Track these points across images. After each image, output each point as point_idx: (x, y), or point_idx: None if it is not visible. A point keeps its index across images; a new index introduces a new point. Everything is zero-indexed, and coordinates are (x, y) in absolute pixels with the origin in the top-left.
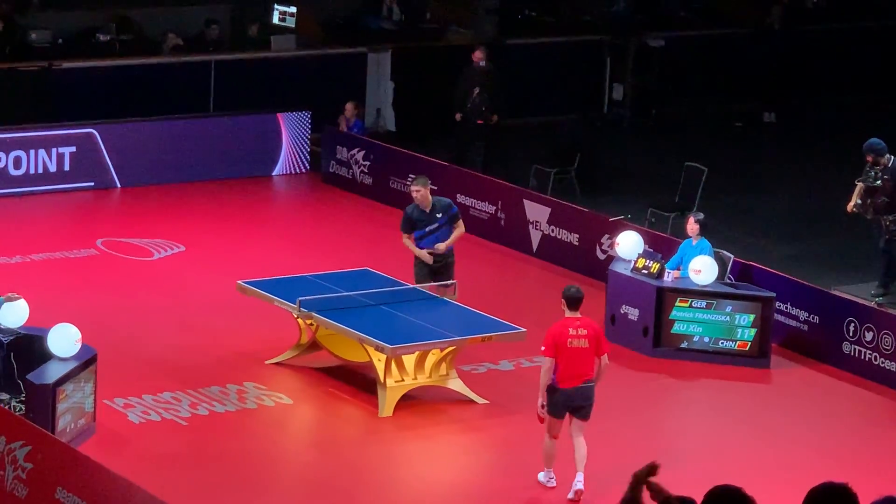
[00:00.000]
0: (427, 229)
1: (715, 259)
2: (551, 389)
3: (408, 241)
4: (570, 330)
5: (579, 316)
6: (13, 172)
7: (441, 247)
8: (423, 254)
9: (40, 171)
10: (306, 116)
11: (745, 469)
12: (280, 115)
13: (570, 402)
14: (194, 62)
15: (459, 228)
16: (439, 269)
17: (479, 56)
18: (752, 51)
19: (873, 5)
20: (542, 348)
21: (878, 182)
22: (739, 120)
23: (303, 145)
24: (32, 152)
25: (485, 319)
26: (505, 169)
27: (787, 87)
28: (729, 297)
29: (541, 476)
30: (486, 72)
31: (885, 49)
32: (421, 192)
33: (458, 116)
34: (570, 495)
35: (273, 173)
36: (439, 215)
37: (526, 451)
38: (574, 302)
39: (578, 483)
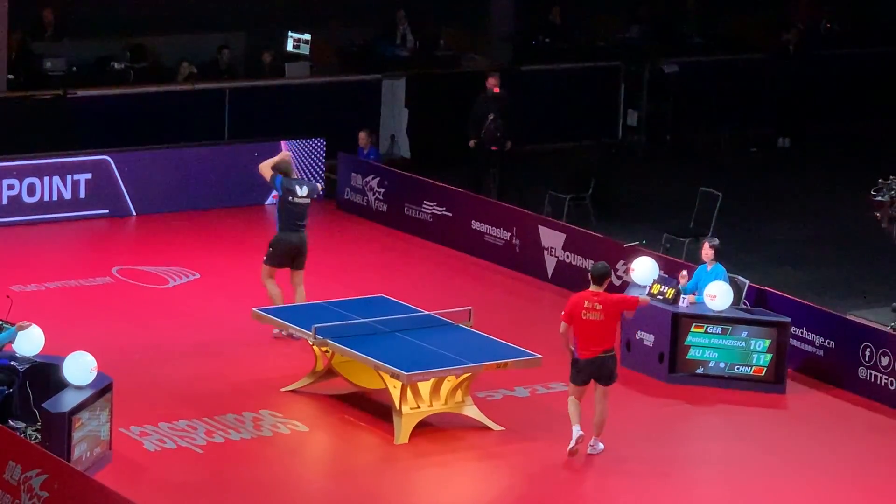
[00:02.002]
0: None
1: (730, 284)
2: (572, 359)
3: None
4: (586, 303)
5: (600, 291)
6: (28, 200)
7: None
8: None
9: (55, 198)
10: (321, 143)
11: (761, 496)
12: (295, 142)
13: (587, 371)
14: (209, 90)
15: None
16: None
17: (492, 83)
18: (766, 76)
19: (888, 30)
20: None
21: None
22: (754, 145)
23: (318, 172)
24: (47, 179)
25: (500, 346)
26: (520, 195)
27: (802, 113)
28: (744, 322)
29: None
30: (500, 98)
31: None
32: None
33: (472, 143)
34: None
35: None
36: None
37: (542, 478)
38: (596, 277)
39: (593, 448)
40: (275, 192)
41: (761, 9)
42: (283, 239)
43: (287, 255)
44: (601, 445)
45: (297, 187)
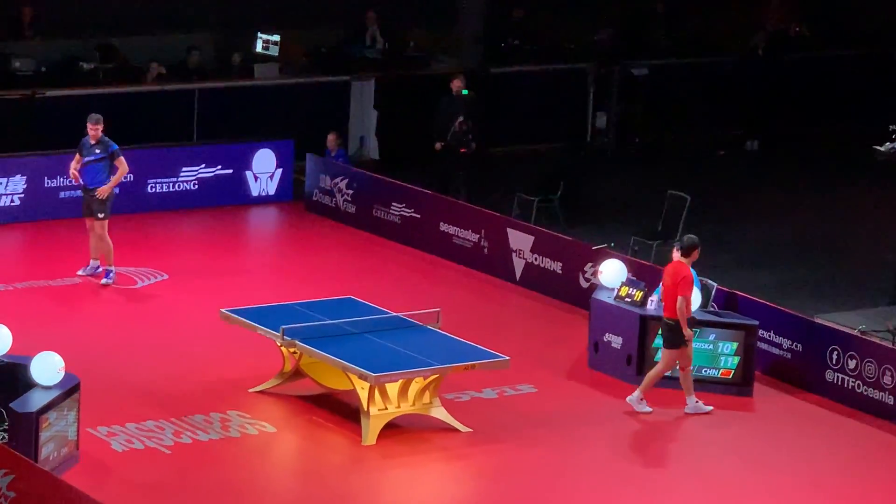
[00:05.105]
0: (86, 159)
1: (699, 287)
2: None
3: (74, 164)
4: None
5: (678, 260)
6: None
7: (103, 190)
8: (74, 173)
9: (24, 198)
10: (290, 145)
11: (729, 497)
12: (264, 144)
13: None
14: (178, 90)
15: (121, 167)
16: (92, 196)
17: (458, 85)
18: (735, 79)
19: (856, 33)
20: None
21: None
22: (723, 148)
23: (287, 173)
24: (16, 179)
25: (468, 348)
26: (488, 197)
27: (770, 115)
28: (712, 325)
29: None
30: (467, 100)
31: (868, 77)
32: (91, 128)
33: (438, 146)
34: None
35: (257, 201)
36: (98, 150)
37: (509, 480)
38: (679, 248)
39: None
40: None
41: (731, 11)
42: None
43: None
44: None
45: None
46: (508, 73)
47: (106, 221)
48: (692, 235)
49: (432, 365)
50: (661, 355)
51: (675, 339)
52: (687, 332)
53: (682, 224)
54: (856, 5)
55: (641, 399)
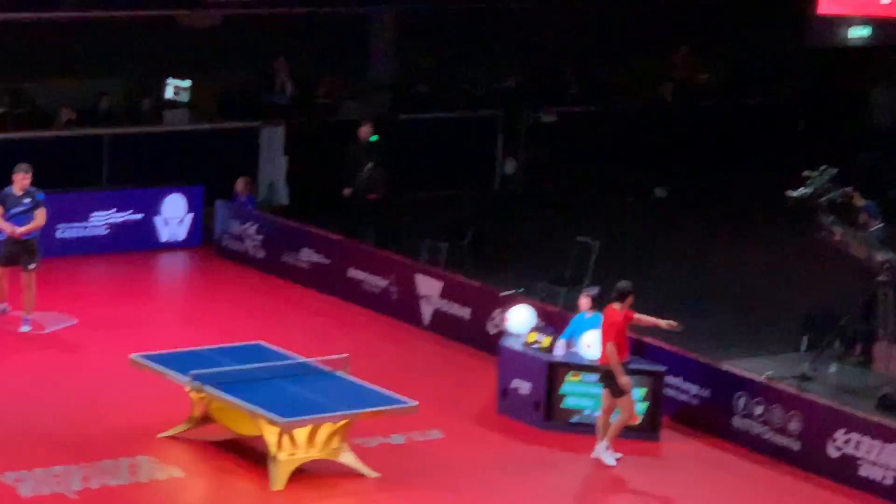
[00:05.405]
0: (12, 211)
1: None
2: None
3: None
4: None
5: (610, 307)
6: None
7: (18, 230)
8: (7, 225)
9: None
10: (200, 190)
11: None
12: (174, 189)
13: None
14: (88, 136)
15: (39, 217)
16: (24, 247)
17: (366, 131)
18: (643, 126)
19: (762, 83)
20: None
21: None
22: (631, 195)
23: (197, 219)
24: None
25: (376, 393)
26: (398, 243)
27: (678, 163)
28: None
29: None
30: (376, 146)
31: (773, 125)
32: (21, 178)
33: (347, 192)
34: None
35: (167, 247)
36: (27, 200)
37: None
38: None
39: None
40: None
41: (639, 60)
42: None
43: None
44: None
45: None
46: (418, 120)
47: (35, 272)
48: (626, 281)
49: (341, 410)
50: (618, 405)
51: (615, 387)
52: (621, 379)
53: (590, 270)
54: (761, 55)
55: (608, 448)
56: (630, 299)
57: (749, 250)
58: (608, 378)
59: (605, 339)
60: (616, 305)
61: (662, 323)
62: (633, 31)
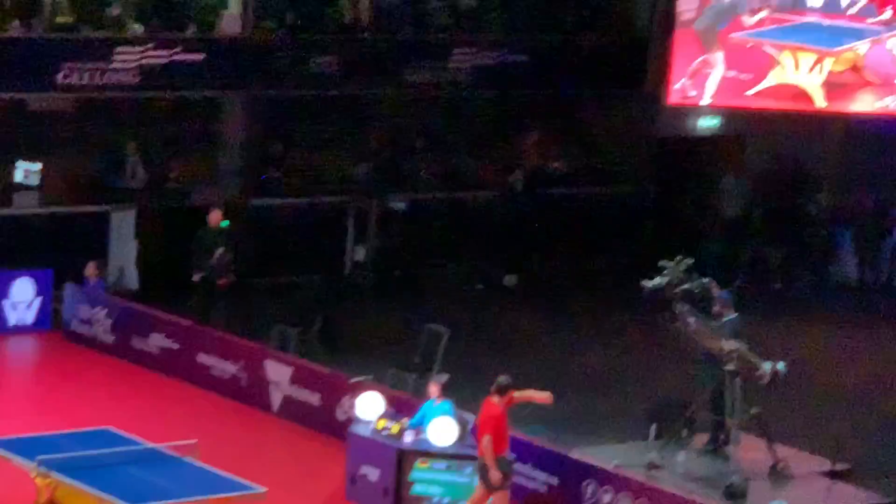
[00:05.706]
0: None
1: (457, 420)
2: None
3: None
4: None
5: (488, 399)
6: None
7: None
8: None
9: None
10: (49, 274)
11: None
12: (22, 272)
13: None
14: None
15: None
16: None
17: (216, 217)
18: (494, 214)
19: (611, 172)
20: None
21: None
22: (481, 282)
23: (45, 303)
24: None
25: (225, 479)
26: (247, 328)
27: (529, 251)
28: (469, 458)
29: None
30: (226, 232)
31: (622, 214)
32: None
33: (196, 277)
34: None
35: (14, 331)
36: None
37: None
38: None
39: None
40: None
41: (490, 148)
42: None
43: None
44: None
45: None
46: (269, 205)
47: None
48: (506, 376)
49: (189, 497)
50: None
51: (489, 480)
52: (493, 473)
53: (439, 357)
54: (609, 144)
55: None
56: (511, 393)
57: (600, 339)
58: (483, 470)
59: (482, 431)
60: (495, 399)
61: (537, 396)
62: (486, 117)
